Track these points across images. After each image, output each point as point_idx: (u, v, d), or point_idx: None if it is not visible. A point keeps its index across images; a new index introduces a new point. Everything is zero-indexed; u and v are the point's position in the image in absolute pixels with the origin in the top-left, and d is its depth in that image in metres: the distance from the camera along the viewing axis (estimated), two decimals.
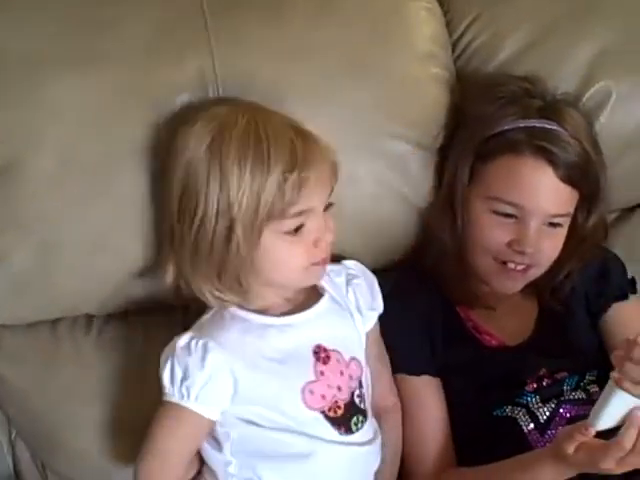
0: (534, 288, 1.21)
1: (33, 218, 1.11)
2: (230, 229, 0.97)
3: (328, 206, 1.04)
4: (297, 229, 1.00)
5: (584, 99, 1.26)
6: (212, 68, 1.12)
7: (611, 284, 1.23)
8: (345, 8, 1.20)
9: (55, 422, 1.17)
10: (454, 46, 1.30)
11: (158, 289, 1.13)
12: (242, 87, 1.12)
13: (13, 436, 1.24)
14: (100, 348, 1.19)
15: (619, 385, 0.93)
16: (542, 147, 1.12)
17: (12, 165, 1.09)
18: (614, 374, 0.94)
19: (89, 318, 1.21)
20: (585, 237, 1.21)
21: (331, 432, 1.04)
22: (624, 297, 1.22)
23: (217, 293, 1.03)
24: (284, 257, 1.01)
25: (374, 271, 1.21)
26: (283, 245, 1.00)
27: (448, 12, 1.31)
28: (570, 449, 0.96)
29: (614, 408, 0.95)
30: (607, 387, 0.96)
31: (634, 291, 1.24)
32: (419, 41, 1.24)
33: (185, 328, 1.14)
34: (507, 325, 1.21)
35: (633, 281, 1.25)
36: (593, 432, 0.95)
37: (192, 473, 1.07)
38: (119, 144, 1.10)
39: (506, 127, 1.14)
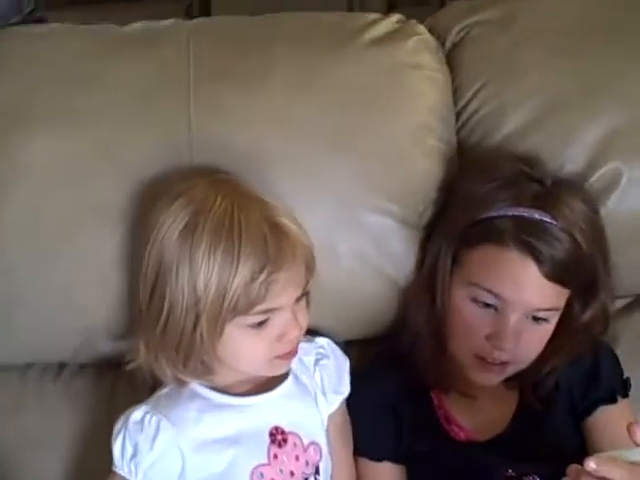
0: (517, 380, 1.14)
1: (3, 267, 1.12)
2: (195, 322, 0.97)
3: (302, 296, 1.01)
4: (261, 323, 0.98)
5: (592, 180, 1.18)
6: (187, 133, 1.11)
7: (600, 386, 1.14)
8: (334, 76, 1.17)
9: (13, 468, 1.17)
10: (459, 114, 1.24)
11: (126, 348, 1.11)
12: (217, 155, 1.10)
13: None
14: (67, 398, 1.19)
15: None
16: (527, 242, 1.05)
17: None
18: None
19: (61, 366, 1.21)
20: (579, 330, 1.13)
21: None
22: (612, 401, 1.13)
23: (180, 375, 1.02)
24: (246, 349, 1.00)
25: (350, 342, 1.19)
26: (246, 338, 0.99)
27: (457, 77, 1.25)
28: None
29: None
30: None
31: (625, 394, 1.15)
32: (415, 112, 1.19)
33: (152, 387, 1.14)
34: (481, 417, 1.15)
35: (626, 382, 1.16)
36: None
37: None
38: (88, 205, 1.11)
39: (494, 214, 1.08)
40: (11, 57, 1.16)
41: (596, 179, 1.19)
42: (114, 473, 1.02)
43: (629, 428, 0.88)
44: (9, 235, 1.12)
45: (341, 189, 1.15)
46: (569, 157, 1.18)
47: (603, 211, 1.17)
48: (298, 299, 1.01)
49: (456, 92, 1.25)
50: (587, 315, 1.13)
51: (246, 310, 0.96)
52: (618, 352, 1.21)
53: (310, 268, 1.02)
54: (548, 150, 1.18)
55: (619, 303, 1.28)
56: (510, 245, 1.06)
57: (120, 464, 1.01)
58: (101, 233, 1.11)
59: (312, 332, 1.14)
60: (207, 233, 0.96)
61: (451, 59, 1.27)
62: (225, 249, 0.95)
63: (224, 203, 0.98)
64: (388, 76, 1.19)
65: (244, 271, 0.94)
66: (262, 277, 0.95)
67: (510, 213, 1.07)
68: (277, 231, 0.98)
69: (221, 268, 0.95)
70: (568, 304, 1.12)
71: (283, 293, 0.98)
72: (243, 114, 1.14)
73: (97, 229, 1.11)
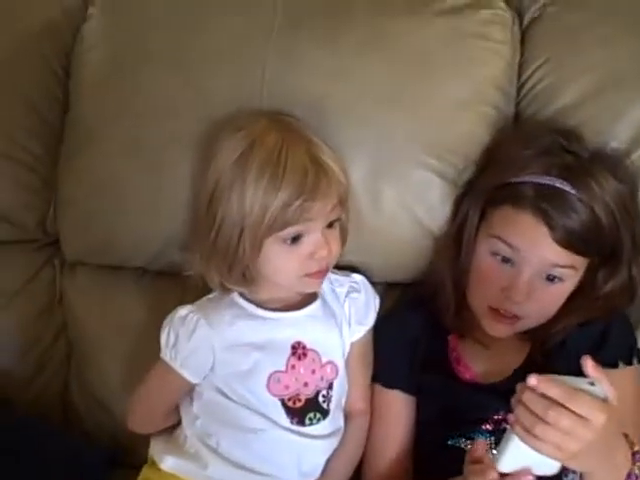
0: (530, 334, 1.22)
1: (109, 179, 1.35)
2: (240, 235, 1.13)
3: (333, 222, 1.16)
4: (294, 240, 1.13)
5: (633, 158, 1.23)
6: (261, 79, 1.27)
7: (606, 350, 1.18)
8: (404, 40, 1.28)
9: (95, 348, 1.42)
10: (522, 86, 1.32)
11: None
12: (285, 102, 1.25)
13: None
14: (144, 298, 1.40)
15: (513, 429, 0.95)
16: (543, 208, 1.12)
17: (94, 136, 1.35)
18: (510, 416, 0.96)
19: (143, 271, 1.42)
20: (599, 298, 1.19)
21: (284, 419, 1.18)
22: (614, 365, 1.17)
23: (225, 282, 1.19)
24: (280, 264, 1.16)
25: (392, 285, 1.31)
26: (280, 253, 1.15)
27: (526, 52, 1.33)
28: None
29: (511, 453, 0.97)
30: (507, 431, 0.98)
31: (630, 362, 1.19)
32: (472, 80, 1.28)
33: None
34: (489, 363, 1.24)
35: (635, 351, 1.20)
36: (495, 475, 0.98)
37: (173, 420, 1.26)
38: (175, 133, 1.30)
39: (521, 179, 1.16)
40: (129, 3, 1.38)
41: (637, 157, 1.23)
42: (161, 358, 1.20)
43: (583, 361, 0.97)
44: (117, 155, 1.33)
45: (392, 142, 1.27)
46: (614, 134, 1.24)
47: None
48: (329, 225, 1.15)
49: (522, 65, 1.33)
50: (609, 286, 1.19)
51: (281, 228, 1.12)
52: None
53: (342, 202, 1.17)
54: (595, 126, 1.25)
55: None
56: (527, 209, 1.13)
57: (164, 350, 1.19)
58: (183, 155, 1.30)
59: (352, 269, 1.29)
60: (258, 162, 1.12)
61: (526, 34, 1.34)
62: (270, 177, 1.11)
63: (276, 138, 1.13)
64: (453, 44, 1.28)
65: (283, 197, 1.10)
66: (297, 203, 1.10)
67: (534, 180, 1.15)
68: (317, 167, 1.13)
69: (265, 192, 1.11)
70: (592, 272, 1.18)
71: (314, 218, 1.13)
72: (315, 66, 1.28)
73: (180, 152, 1.30)
